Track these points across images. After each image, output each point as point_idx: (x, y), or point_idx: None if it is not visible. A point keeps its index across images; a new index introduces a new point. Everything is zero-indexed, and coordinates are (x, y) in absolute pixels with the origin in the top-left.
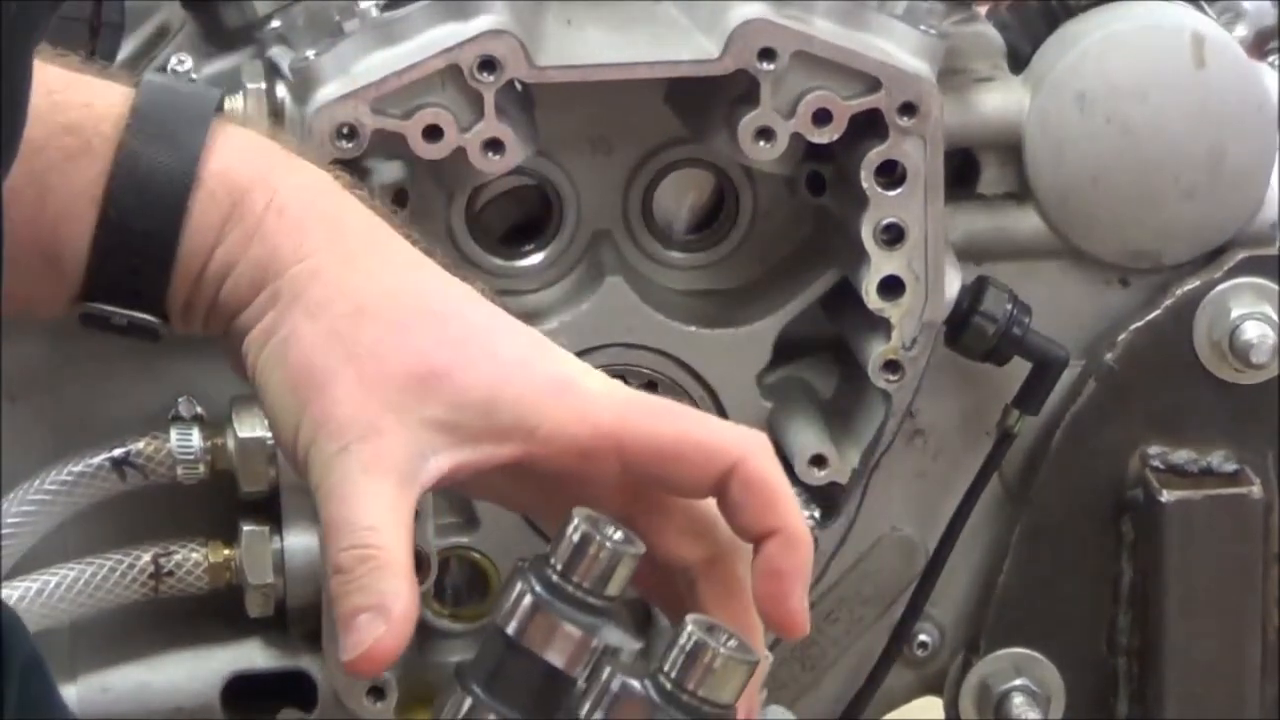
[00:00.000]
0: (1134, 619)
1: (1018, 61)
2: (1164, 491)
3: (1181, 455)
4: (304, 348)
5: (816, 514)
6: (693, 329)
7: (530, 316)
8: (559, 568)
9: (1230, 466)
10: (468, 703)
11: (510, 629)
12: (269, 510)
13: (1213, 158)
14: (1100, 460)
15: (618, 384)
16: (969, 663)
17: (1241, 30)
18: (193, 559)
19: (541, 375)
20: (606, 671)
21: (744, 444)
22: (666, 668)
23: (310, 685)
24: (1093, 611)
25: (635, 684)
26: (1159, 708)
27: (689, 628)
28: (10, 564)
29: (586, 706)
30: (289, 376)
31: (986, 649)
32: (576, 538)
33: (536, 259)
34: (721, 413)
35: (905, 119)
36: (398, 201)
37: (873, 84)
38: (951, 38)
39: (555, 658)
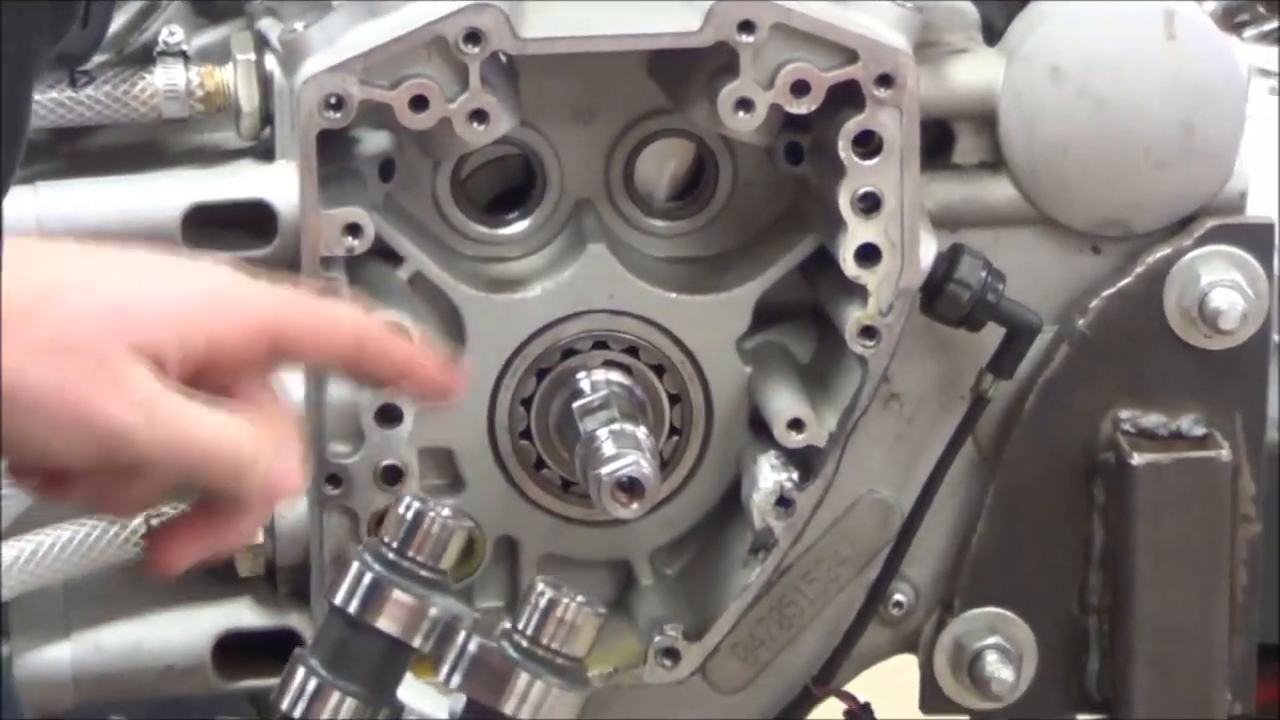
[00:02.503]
0: (1105, 579)
1: (992, 34)
2: (1134, 454)
3: (1152, 419)
4: None
5: (795, 476)
6: (673, 295)
7: (514, 283)
8: (394, 545)
9: (1199, 430)
10: (312, 683)
11: (350, 606)
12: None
13: (1183, 128)
14: (1072, 424)
15: None
16: (943, 622)
17: (1210, 4)
18: None
19: None
20: (460, 636)
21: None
22: (521, 626)
23: (299, 643)
24: (1065, 572)
25: (491, 644)
26: (1129, 665)
27: (540, 587)
28: (7, 525)
29: (444, 671)
30: None
31: (961, 608)
32: (409, 515)
33: (520, 227)
34: (701, 378)
35: (882, 90)
36: (384, 170)
37: (850, 56)
38: (927, 11)
39: (393, 628)
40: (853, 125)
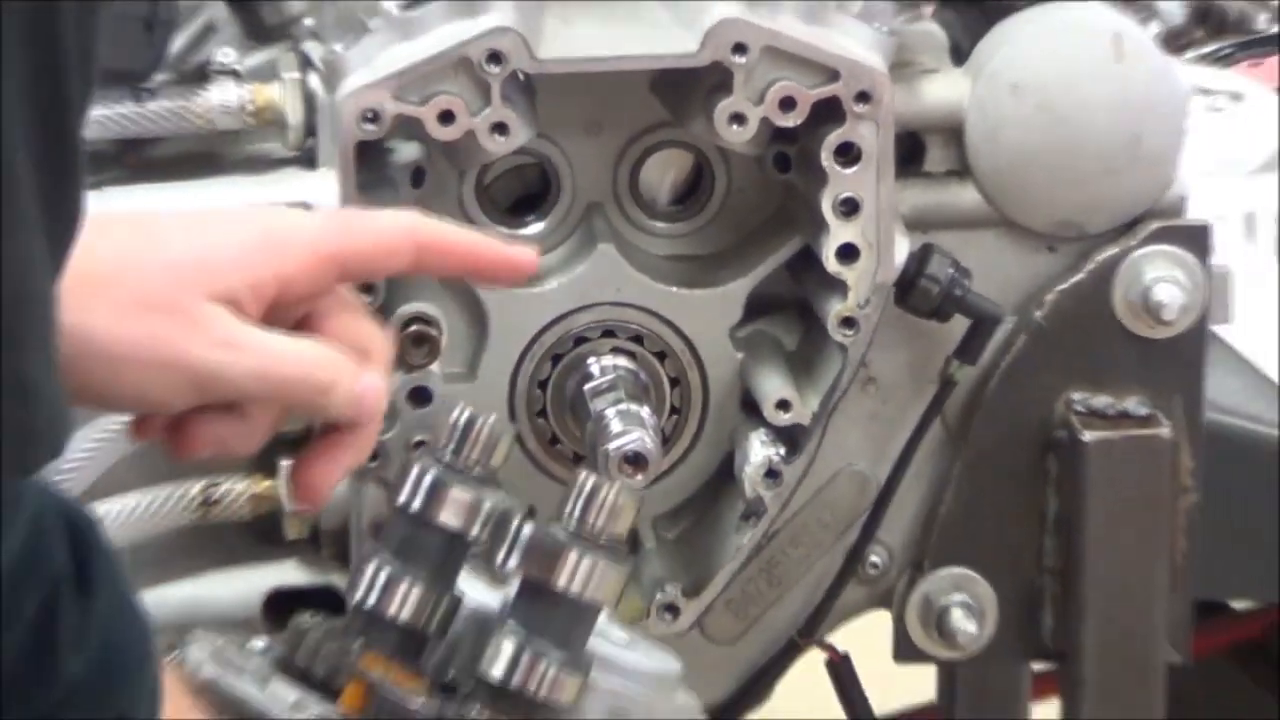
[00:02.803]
0: (1058, 543)
1: (959, 55)
2: (1085, 432)
3: (1101, 400)
4: None
5: (782, 451)
6: (673, 289)
7: (532, 278)
8: (449, 449)
9: (1144, 410)
10: (383, 575)
11: (413, 505)
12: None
13: (1130, 140)
14: (1030, 405)
15: None
16: (914, 581)
17: (1155, 28)
18: (237, 490)
19: None
20: (514, 524)
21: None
22: (567, 511)
23: (339, 598)
24: (1022, 536)
25: (543, 528)
26: (1079, 620)
27: (583, 476)
28: (76, 495)
29: (500, 556)
30: None
31: (930, 568)
32: (462, 422)
33: (537, 228)
34: (699, 365)
35: (861, 106)
36: (415, 177)
37: (832, 75)
38: (901, 34)
39: (453, 521)
40: (834, 137)
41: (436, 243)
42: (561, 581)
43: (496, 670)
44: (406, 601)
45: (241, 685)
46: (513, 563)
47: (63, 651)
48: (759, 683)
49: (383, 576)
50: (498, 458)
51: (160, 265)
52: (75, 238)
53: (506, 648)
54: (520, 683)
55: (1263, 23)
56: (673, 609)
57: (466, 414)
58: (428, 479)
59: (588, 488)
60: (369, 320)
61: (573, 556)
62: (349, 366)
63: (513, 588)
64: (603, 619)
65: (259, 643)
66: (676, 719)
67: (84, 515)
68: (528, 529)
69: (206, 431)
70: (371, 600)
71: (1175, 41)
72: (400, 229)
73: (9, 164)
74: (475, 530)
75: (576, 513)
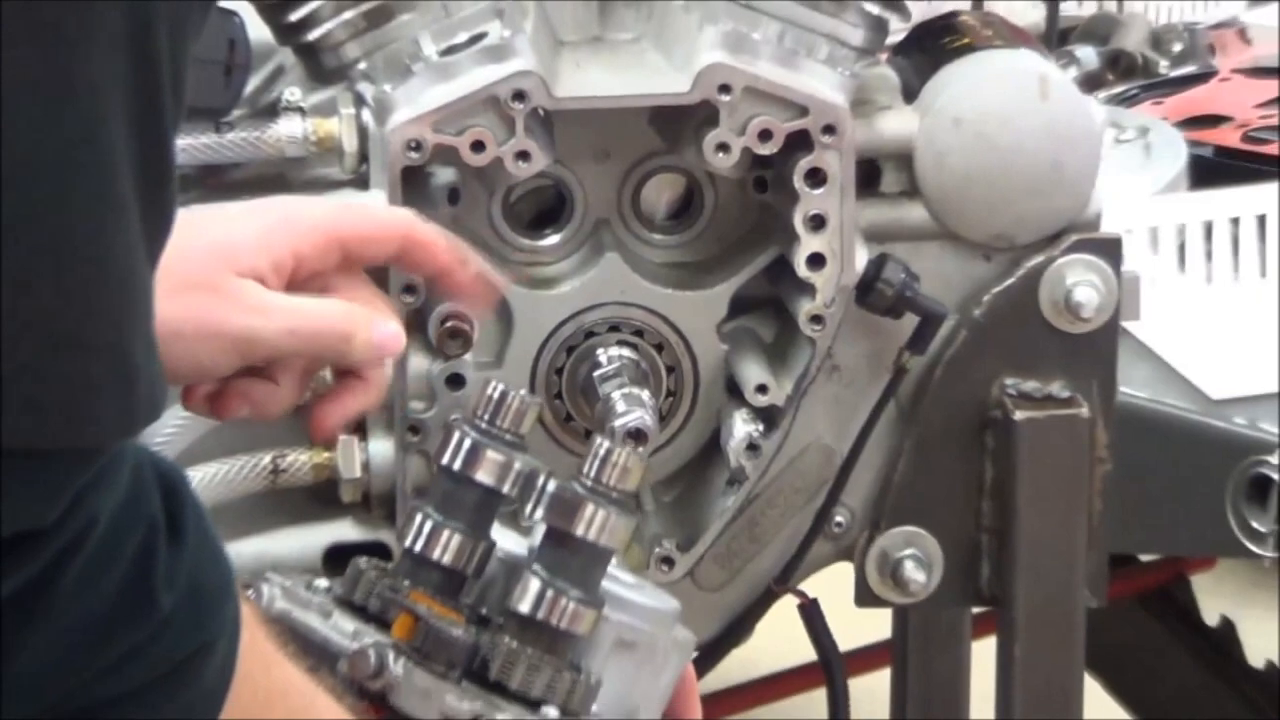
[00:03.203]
0: (994, 506)
1: (909, 95)
2: (1017, 412)
3: (1030, 385)
4: None
5: (760, 428)
6: (670, 291)
7: (550, 282)
8: (484, 417)
9: (1066, 393)
10: (428, 523)
11: (455, 464)
12: (358, 425)
13: (1054, 166)
14: (970, 389)
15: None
16: (873, 537)
17: (1074, 72)
18: (301, 459)
19: None
20: (540, 482)
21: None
22: (585, 471)
23: (388, 551)
24: (963, 500)
25: (565, 484)
26: (1011, 570)
27: (598, 441)
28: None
29: (529, 508)
30: None
31: (886, 527)
32: (496, 395)
33: (554, 239)
34: (691, 355)
35: (827, 137)
36: (451, 196)
37: (803, 111)
38: (860, 77)
39: (488, 479)
40: (804, 163)
41: (421, 241)
42: (580, 530)
43: (524, 605)
44: (448, 547)
45: (308, 617)
46: (539, 514)
47: (158, 588)
48: (741, 624)
49: (428, 525)
50: (525, 425)
51: (198, 251)
52: (168, 235)
53: (533, 586)
54: (544, 616)
55: (1164, 68)
56: (668, 561)
57: (500, 388)
58: (467, 442)
59: (603, 451)
60: (376, 289)
61: (590, 508)
62: (366, 315)
63: (538, 536)
64: (614, 564)
65: (322, 583)
66: (675, 650)
67: (175, 469)
68: (552, 485)
69: (241, 395)
70: (419, 546)
71: (1091, 83)
72: (392, 221)
73: (113, 156)
74: (507, 487)
75: (593, 471)
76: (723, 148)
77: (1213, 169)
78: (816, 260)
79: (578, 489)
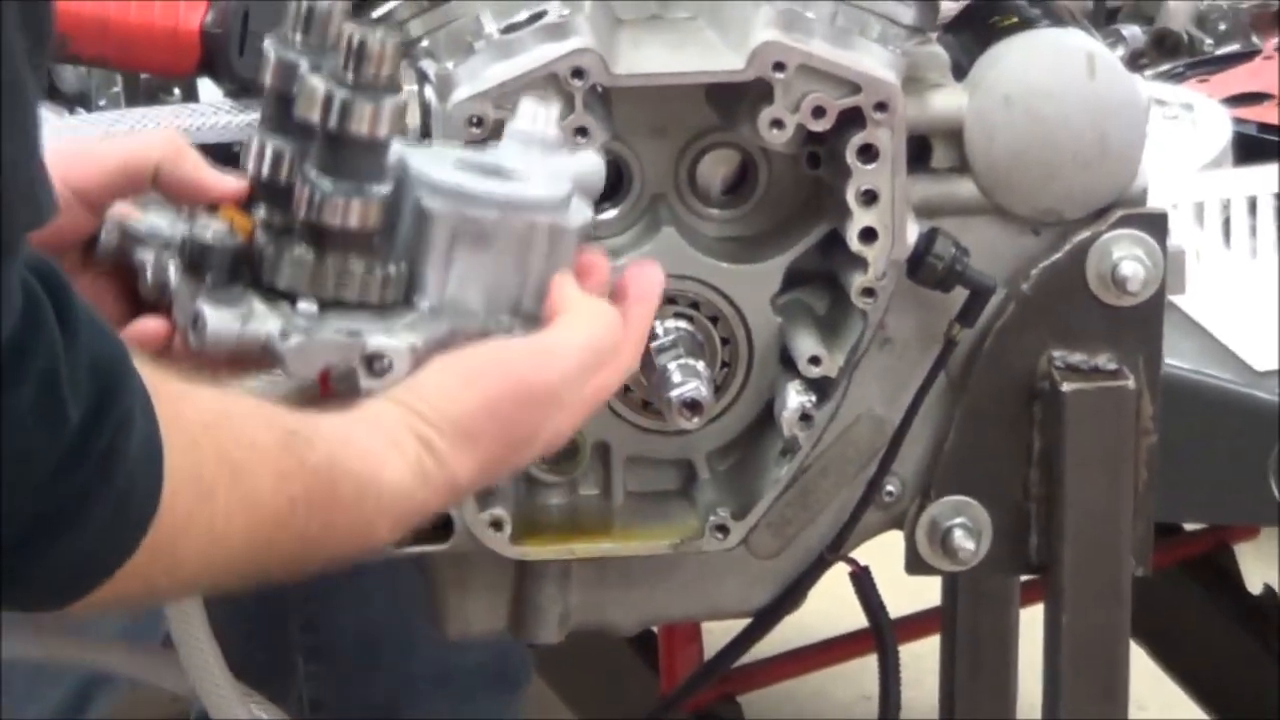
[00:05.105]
0: (1042, 475)
1: (960, 72)
2: (1064, 384)
3: (1077, 357)
4: None
5: (813, 399)
6: (725, 265)
7: (609, 255)
8: (351, 67)
9: (1112, 366)
10: (317, 193)
11: (331, 123)
12: None
13: (1100, 142)
14: (1018, 361)
15: None
16: (923, 506)
17: (1121, 50)
18: None
19: None
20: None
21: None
22: (342, 65)
23: (449, 523)
24: (1012, 469)
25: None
26: (1059, 539)
27: (347, 30)
28: None
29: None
30: None
31: (936, 496)
32: (356, 40)
33: (613, 214)
34: (746, 327)
35: (879, 114)
36: None
37: (855, 88)
38: (911, 55)
39: (374, 131)
40: (857, 140)
41: (183, 149)
42: (355, 129)
43: (301, 211)
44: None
45: (150, 218)
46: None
47: (67, 400)
48: (794, 591)
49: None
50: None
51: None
52: (48, 53)
53: (298, 186)
54: (316, 217)
55: (1208, 47)
56: (723, 529)
57: (360, 32)
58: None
59: (355, 41)
60: None
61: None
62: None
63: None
64: (502, 152)
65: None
66: (543, 233)
67: (45, 260)
68: (317, 82)
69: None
70: (250, 164)
71: (1137, 61)
72: (155, 150)
73: None
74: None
75: (353, 66)
76: (777, 124)
77: (1256, 145)
78: (868, 235)
79: (341, 89)
